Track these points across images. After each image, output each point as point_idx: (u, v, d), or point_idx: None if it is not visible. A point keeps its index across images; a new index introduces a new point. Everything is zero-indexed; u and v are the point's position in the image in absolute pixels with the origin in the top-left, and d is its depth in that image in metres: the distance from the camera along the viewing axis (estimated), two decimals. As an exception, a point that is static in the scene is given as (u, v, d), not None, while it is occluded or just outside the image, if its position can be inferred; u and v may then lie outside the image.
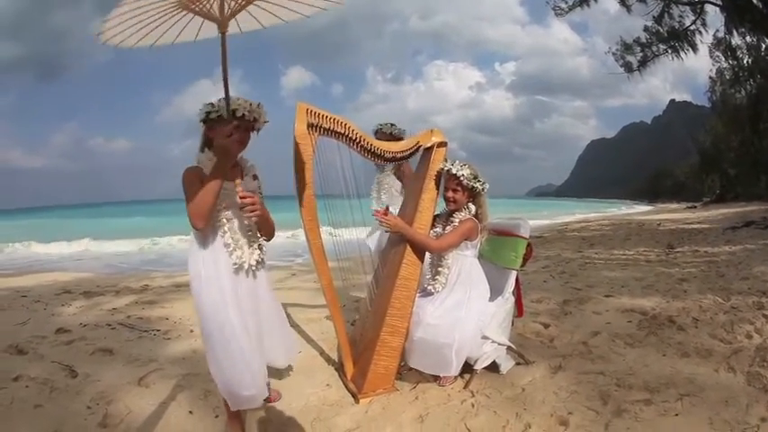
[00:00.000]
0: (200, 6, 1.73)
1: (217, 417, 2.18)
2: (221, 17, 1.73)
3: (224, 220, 1.90)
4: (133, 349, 3.00)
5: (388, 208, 2.54)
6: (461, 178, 2.50)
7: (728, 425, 1.95)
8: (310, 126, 2.33)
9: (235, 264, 1.90)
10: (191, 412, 2.21)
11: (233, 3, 1.74)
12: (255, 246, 1.98)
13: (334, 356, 2.89)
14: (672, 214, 22.10)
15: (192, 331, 3.42)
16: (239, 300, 1.90)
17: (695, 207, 28.28)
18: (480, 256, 2.64)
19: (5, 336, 3.19)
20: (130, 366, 2.70)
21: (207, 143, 1.91)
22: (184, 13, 1.77)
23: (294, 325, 3.52)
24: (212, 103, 1.86)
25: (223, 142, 1.81)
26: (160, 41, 1.87)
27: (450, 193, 2.55)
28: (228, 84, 1.74)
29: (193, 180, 1.81)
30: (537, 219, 20.79)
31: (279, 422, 2.17)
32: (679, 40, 14.16)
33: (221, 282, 1.87)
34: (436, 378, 2.49)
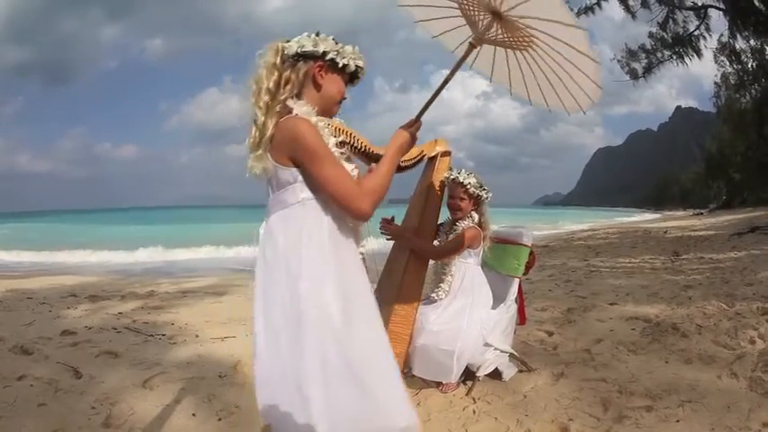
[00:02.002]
0: (472, 11, 1.75)
1: (220, 420, 2.20)
2: (481, 33, 1.73)
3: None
4: (138, 352, 3.02)
5: (393, 218, 2.56)
6: (468, 186, 2.52)
7: (730, 431, 1.94)
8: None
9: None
10: (194, 415, 2.23)
11: (501, 35, 1.74)
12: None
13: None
14: (678, 221, 22.01)
15: (197, 336, 3.44)
16: None
17: (702, 214, 28.13)
18: (483, 264, 2.65)
19: (11, 336, 3.22)
20: (135, 369, 2.73)
21: (307, 86, 1.41)
22: (458, 13, 1.78)
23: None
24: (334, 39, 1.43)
25: (413, 132, 1.57)
26: (429, 26, 1.90)
27: (455, 202, 2.56)
28: (442, 90, 1.70)
29: (323, 142, 1.34)
30: (543, 228, 20.73)
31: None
32: (683, 45, 14.15)
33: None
34: (438, 384, 2.49)
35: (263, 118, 1.33)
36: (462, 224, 2.57)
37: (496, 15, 1.68)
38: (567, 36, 1.60)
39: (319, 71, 1.40)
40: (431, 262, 2.61)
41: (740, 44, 14.92)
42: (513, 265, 2.63)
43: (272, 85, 1.36)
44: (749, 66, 16.70)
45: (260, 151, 1.32)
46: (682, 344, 2.96)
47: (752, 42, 14.50)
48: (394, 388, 1.34)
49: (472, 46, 1.75)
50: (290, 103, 1.36)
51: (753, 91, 19.26)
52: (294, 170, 1.32)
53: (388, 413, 1.29)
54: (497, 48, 1.87)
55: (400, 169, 2.67)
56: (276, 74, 1.37)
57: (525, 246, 2.66)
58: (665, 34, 14.28)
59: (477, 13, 1.75)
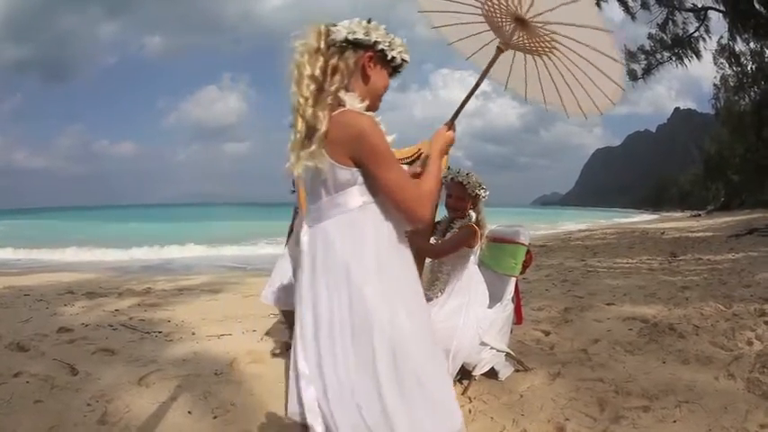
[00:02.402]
0: (497, 17, 1.76)
1: (215, 417, 2.19)
2: (507, 38, 1.74)
3: None
4: (134, 350, 3.01)
5: None
6: (467, 186, 2.51)
7: (727, 431, 1.94)
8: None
9: None
10: (189, 412, 2.22)
11: (524, 41, 1.76)
12: None
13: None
14: (676, 223, 22.06)
15: (193, 333, 3.44)
16: None
17: (699, 215, 28.19)
18: (480, 263, 2.65)
19: (7, 333, 3.22)
20: (131, 366, 2.72)
21: (355, 77, 1.30)
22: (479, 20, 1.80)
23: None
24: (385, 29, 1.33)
25: (452, 134, 1.53)
26: (447, 33, 1.91)
27: (453, 201, 2.55)
28: (473, 94, 1.73)
29: (387, 143, 1.25)
30: (541, 228, 20.75)
31: (278, 424, 2.17)
32: (683, 47, 14.15)
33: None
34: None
35: (311, 109, 1.21)
36: (459, 222, 2.56)
37: (520, 21, 1.70)
38: (592, 39, 1.61)
39: (369, 62, 1.29)
40: (427, 261, 2.60)
41: (740, 46, 14.94)
42: (510, 264, 2.62)
43: (317, 72, 1.23)
44: (749, 68, 16.72)
45: (314, 147, 1.20)
46: (679, 344, 2.96)
47: (751, 45, 14.53)
48: (451, 389, 1.39)
49: (500, 50, 1.76)
50: (341, 94, 1.24)
51: (752, 93, 19.29)
52: (355, 170, 1.22)
53: (451, 413, 1.30)
54: (515, 54, 1.89)
55: None
56: (321, 60, 1.24)
57: (522, 245, 2.65)
58: (664, 35, 14.29)
59: (502, 18, 1.76)
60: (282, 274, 2.79)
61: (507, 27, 1.76)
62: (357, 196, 1.24)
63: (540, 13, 1.61)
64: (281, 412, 2.26)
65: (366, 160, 1.21)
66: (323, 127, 1.19)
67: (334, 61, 1.25)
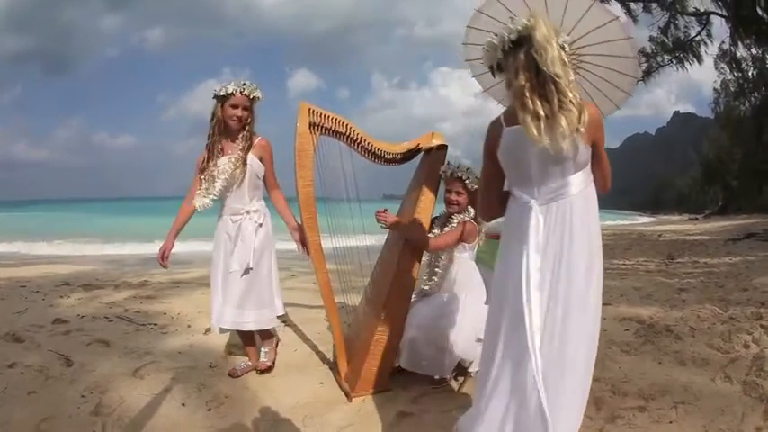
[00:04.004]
0: None
1: (209, 410, 2.19)
2: None
3: None
4: (130, 342, 3.01)
5: (386, 210, 2.55)
6: (466, 181, 2.50)
7: (722, 433, 1.94)
8: (312, 125, 2.36)
9: None
10: (183, 404, 2.22)
11: None
12: None
13: (330, 356, 2.89)
14: (673, 226, 22.06)
15: (189, 326, 3.43)
16: None
17: (697, 219, 28.20)
18: (477, 260, 2.64)
19: (3, 323, 3.21)
20: (126, 358, 2.71)
21: None
22: None
23: (291, 324, 3.53)
24: None
25: None
26: (482, 80, 1.83)
27: (453, 196, 2.54)
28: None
29: None
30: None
31: (271, 418, 2.17)
32: (684, 51, 14.14)
33: None
34: (430, 379, 2.48)
35: (571, 94, 1.32)
36: (457, 218, 2.56)
37: None
38: (615, 49, 1.62)
39: None
40: (425, 256, 2.60)
41: (741, 52, 14.96)
42: (508, 261, 2.61)
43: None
44: (749, 74, 16.76)
45: (582, 129, 1.33)
46: (675, 346, 2.95)
47: (753, 50, 14.54)
48: None
49: None
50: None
51: (752, 99, 19.34)
52: (590, 151, 1.41)
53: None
54: None
55: (396, 161, 2.66)
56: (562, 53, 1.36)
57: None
58: (665, 39, 14.27)
59: None
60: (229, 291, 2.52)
61: None
62: (588, 174, 1.44)
63: (576, 40, 1.61)
64: (275, 405, 2.26)
65: (599, 143, 1.42)
66: (585, 112, 1.34)
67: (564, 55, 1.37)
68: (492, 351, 1.44)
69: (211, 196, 2.48)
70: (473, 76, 1.86)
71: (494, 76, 1.51)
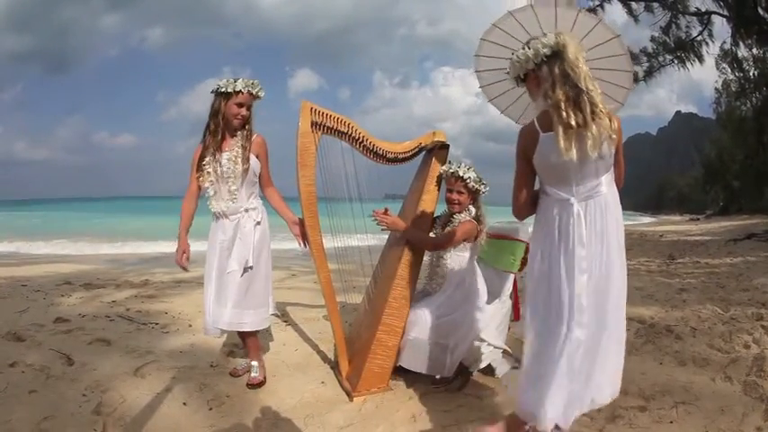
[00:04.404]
0: None
1: (211, 409, 2.19)
2: None
3: None
4: (131, 341, 3.01)
5: (387, 209, 2.55)
6: (468, 181, 2.50)
7: (723, 433, 1.94)
8: (314, 124, 2.36)
9: None
10: (184, 404, 2.22)
11: None
12: None
13: (331, 355, 2.89)
14: (674, 226, 22.06)
15: (190, 326, 3.43)
16: None
17: (698, 219, 28.17)
18: (478, 259, 2.64)
19: (4, 323, 3.21)
20: (127, 357, 2.71)
21: None
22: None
23: (293, 324, 3.53)
24: None
25: None
26: (497, 102, 2.05)
27: (454, 195, 2.55)
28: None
29: None
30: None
31: (272, 417, 2.17)
32: (685, 50, 14.11)
33: None
34: (431, 379, 2.49)
35: (606, 109, 1.54)
36: (459, 217, 2.56)
37: None
38: (613, 62, 1.80)
39: None
40: (426, 256, 2.60)
41: (743, 52, 14.92)
42: (509, 260, 2.61)
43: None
44: (751, 74, 16.74)
45: (612, 135, 1.54)
46: (676, 346, 2.95)
47: (754, 50, 14.51)
48: None
49: None
50: None
51: (753, 99, 19.33)
52: (614, 154, 1.59)
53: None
54: None
55: (398, 161, 2.66)
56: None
57: (521, 241, 2.65)
58: (667, 38, 14.25)
59: None
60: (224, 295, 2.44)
61: None
62: (612, 175, 1.62)
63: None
64: (277, 405, 2.27)
65: (620, 145, 1.60)
66: (614, 120, 1.54)
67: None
68: (545, 334, 1.61)
69: (228, 200, 2.40)
70: (480, 87, 2.03)
71: (517, 86, 1.70)
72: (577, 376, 1.56)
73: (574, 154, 1.49)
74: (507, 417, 1.73)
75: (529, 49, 1.57)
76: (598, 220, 1.57)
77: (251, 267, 2.43)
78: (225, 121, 2.37)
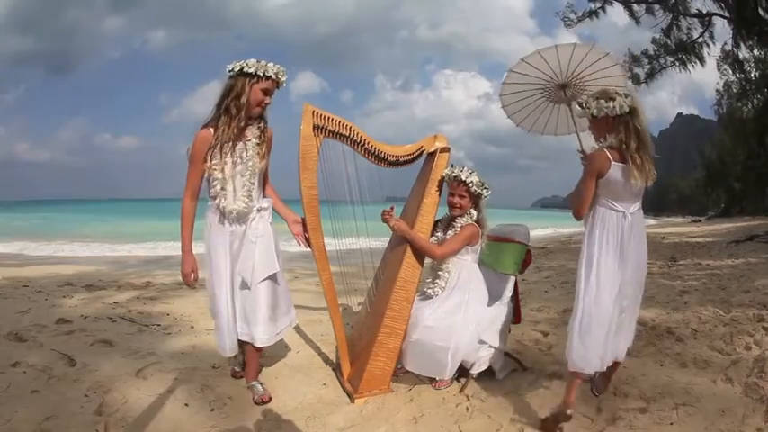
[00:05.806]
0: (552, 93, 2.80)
1: (212, 410, 2.20)
2: (566, 100, 2.76)
3: None
4: (133, 342, 3.01)
5: (393, 207, 2.56)
6: (470, 185, 2.51)
7: (724, 435, 1.94)
8: (316, 128, 2.37)
9: None
10: (186, 405, 2.23)
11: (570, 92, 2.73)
12: None
13: (333, 357, 2.90)
14: (676, 228, 21.99)
15: (192, 327, 3.44)
16: None
17: (700, 221, 28.09)
18: (479, 262, 2.65)
19: (6, 323, 3.21)
20: (129, 358, 2.72)
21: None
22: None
23: (294, 326, 3.53)
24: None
25: None
26: (522, 123, 3.00)
27: (456, 199, 2.55)
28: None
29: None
30: (541, 230, 20.75)
31: (274, 419, 2.18)
32: (687, 52, 14.12)
33: None
34: (432, 381, 2.49)
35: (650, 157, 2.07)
36: (461, 221, 2.56)
37: (563, 86, 2.73)
38: (606, 74, 2.62)
39: None
40: (427, 258, 2.60)
41: (743, 53, 14.93)
42: (510, 263, 2.62)
43: None
44: (752, 75, 16.74)
45: (653, 169, 2.07)
46: (677, 348, 2.95)
47: (755, 52, 14.51)
48: None
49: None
50: None
51: (755, 100, 19.31)
52: None
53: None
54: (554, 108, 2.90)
55: (399, 164, 2.67)
56: None
57: (522, 244, 2.66)
58: (668, 40, 14.25)
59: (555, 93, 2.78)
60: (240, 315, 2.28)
61: (562, 94, 2.74)
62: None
63: (581, 74, 2.66)
64: (278, 406, 2.28)
65: None
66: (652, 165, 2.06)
67: None
68: (598, 304, 2.06)
69: (245, 199, 2.15)
70: (508, 117, 2.99)
71: (589, 119, 2.10)
72: (614, 336, 2.11)
73: (640, 182, 2.01)
74: (566, 386, 2.11)
75: (613, 101, 1.99)
76: (637, 226, 2.10)
77: (277, 272, 2.24)
78: (247, 107, 2.11)
